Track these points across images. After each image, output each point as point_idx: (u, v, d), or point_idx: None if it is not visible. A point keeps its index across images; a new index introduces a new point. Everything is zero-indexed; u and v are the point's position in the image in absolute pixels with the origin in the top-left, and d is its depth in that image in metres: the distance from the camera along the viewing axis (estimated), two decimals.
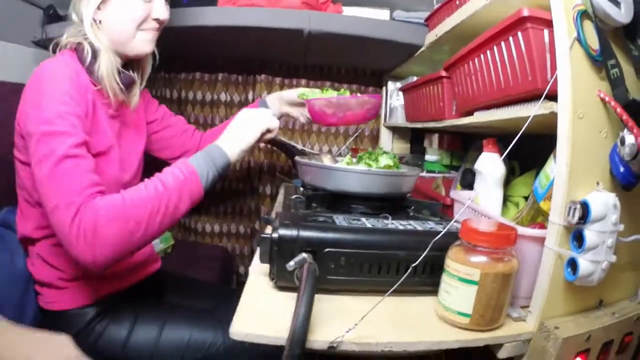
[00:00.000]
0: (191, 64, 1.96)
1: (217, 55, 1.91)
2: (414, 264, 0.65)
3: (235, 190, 2.06)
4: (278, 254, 0.71)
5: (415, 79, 1.57)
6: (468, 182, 1.14)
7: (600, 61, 0.65)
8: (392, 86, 1.79)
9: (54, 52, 0.96)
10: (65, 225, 0.75)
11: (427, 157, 1.56)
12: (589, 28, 0.65)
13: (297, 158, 1.06)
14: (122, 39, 0.97)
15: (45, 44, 1.43)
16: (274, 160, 2.02)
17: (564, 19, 0.65)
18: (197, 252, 1.91)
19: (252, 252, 2.10)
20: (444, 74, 1.11)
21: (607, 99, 0.64)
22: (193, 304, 1.19)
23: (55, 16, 1.47)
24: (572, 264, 0.65)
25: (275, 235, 0.71)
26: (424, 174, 1.44)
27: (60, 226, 0.76)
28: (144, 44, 1.00)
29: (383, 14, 1.43)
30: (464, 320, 0.66)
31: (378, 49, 1.45)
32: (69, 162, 0.78)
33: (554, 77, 0.65)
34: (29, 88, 0.85)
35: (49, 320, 0.99)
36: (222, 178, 0.90)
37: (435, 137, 1.51)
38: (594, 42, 0.65)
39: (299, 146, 1.14)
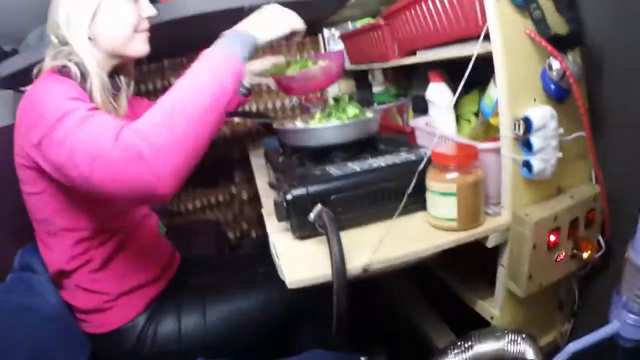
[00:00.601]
0: (158, 52, 1.93)
1: (174, 42, 1.89)
2: (408, 191, 0.81)
3: (205, 162, 2.08)
4: (294, 211, 0.84)
5: (349, 24, 1.69)
6: (420, 108, 1.26)
7: (523, 6, 0.76)
8: (327, 33, 1.88)
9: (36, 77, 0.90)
10: (113, 163, 0.67)
11: (375, 90, 1.70)
12: None
13: (275, 125, 1.16)
14: (120, 44, 0.96)
15: (2, 83, 1.39)
16: (236, 127, 2.09)
17: None
18: (189, 231, 1.91)
19: (235, 218, 2.22)
20: (382, 22, 1.20)
21: (532, 35, 0.77)
22: (218, 279, 1.17)
23: (2, 54, 1.40)
24: (527, 164, 0.80)
25: (289, 196, 0.83)
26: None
27: (108, 172, 0.68)
28: (142, 45, 1.00)
29: None
30: (453, 224, 0.82)
31: (311, 6, 1.48)
32: (91, 120, 0.72)
33: (485, 23, 0.77)
34: (25, 108, 0.81)
35: (101, 343, 1.00)
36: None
37: (379, 72, 1.64)
38: None
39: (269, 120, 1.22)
